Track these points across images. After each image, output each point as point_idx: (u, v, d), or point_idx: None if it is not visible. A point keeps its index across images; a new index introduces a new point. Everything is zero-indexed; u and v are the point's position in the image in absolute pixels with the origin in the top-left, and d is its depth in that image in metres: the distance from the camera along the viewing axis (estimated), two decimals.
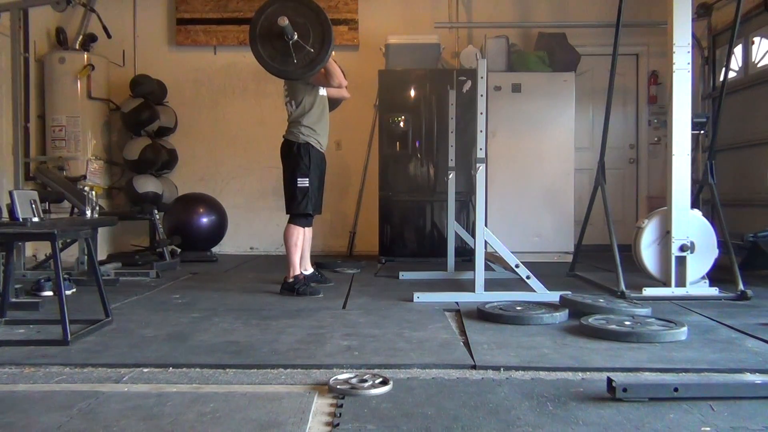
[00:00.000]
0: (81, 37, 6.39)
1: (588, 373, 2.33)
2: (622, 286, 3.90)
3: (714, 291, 3.89)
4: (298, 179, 4.11)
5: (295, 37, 3.78)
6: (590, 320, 2.99)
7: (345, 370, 2.34)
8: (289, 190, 4.18)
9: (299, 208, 4.12)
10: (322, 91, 4.24)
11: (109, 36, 6.32)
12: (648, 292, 3.89)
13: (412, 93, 6.12)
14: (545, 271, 4.38)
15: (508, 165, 6.09)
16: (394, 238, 6.11)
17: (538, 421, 1.84)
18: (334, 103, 4.43)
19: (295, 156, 4.13)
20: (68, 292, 3.90)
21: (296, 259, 4.16)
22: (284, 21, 3.71)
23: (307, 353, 2.59)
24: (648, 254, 4.05)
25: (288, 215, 4.20)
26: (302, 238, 4.21)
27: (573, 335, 2.89)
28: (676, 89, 3.90)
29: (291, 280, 4.11)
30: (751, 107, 5.61)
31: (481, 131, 3.82)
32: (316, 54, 3.83)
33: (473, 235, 4.11)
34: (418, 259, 5.88)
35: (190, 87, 6.90)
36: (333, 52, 3.91)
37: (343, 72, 4.20)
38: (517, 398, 2.04)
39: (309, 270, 4.41)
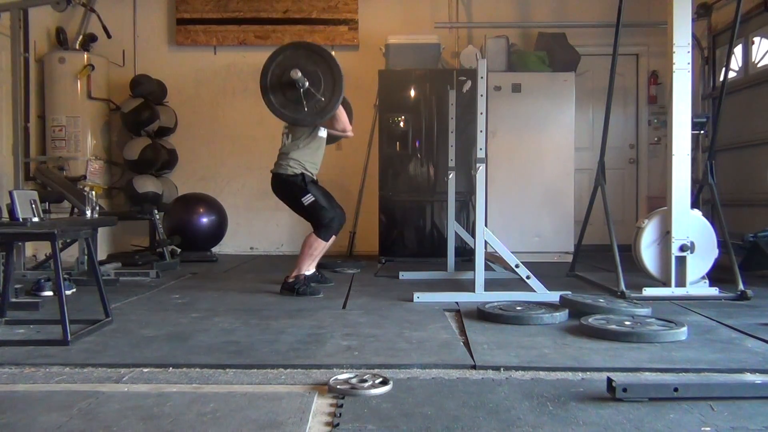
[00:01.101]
0: (81, 37, 6.39)
1: (588, 373, 2.33)
2: (622, 286, 3.90)
3: (714, 291, 3.89)
4: (302, 199, 4.10)
5: (307, 84, 3.83)
6: (590, 320, 2.99)
7: (345, 370, 2.34)
8: (304, 213, 4.21)
9: (323, 218, 4.11)
10: (322, 133, 4.24)
11: (109, 36, 6.32)
12: (648, 292, 3.89)
13: (412, 93, 6.13)
14: (545, 271, 4.38)
15: (508, 165, 6.08)
16: (394, 238, 6.11)
17: (538, 421, 1.84)
18: (333, 138, 4.44)
19: (288, 184, 4.13)
20: (68, 292, 3.90)
21: (305, 266, 4.16)
22: (297, 74, 3.77)
23: (307, 353, 2.59)
24: (648, 254, 4.05)
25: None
26: (320, 250, 4.21)
27: (573, 335, 2.89)
28: (676, 89, 3.90)
29: (291, 280, 4.11)
30: (751, 107, 5.61)
31: (481, 131, 3.82)
32: (326, 103, 3.90)
33: (473, 235, 4.11)
34: (418, 259, 5.87)
35: (190, 87, 6.90)
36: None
37: (351, 111, 4.32)
38: (517, 398, 2.04)
39: (311, 270, 4.41)
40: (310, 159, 4.18)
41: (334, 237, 4.29)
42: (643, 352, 2.59)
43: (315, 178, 4.24)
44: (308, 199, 4.10)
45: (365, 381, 2.16)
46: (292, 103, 3.90)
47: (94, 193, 4.54)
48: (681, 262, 3.91)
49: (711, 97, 6.18)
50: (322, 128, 4.22)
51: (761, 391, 2.06)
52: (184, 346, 2.73)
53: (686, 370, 2.35)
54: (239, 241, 6.90)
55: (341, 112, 4.12)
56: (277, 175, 4.19)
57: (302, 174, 4.12)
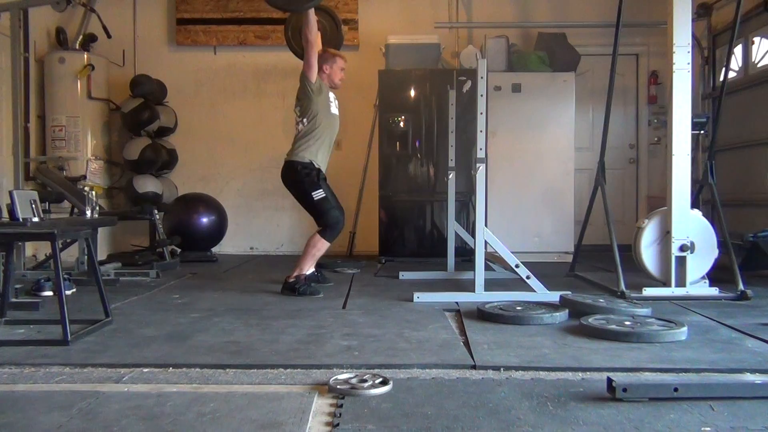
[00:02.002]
0: (81, 37, 6.38)
1: (588, 373, 2.33)
2: (622, 286, 3.90)
3: (714, 291, 3.89)
4: (313, 193, 4.10)
5: None
6: (590, 320, 2.99)
7: (345, 370, 2.34)
8: (311, 208, 4.19)
9: (330, 218, 4.11)
10: (335, 110, 4.26)
11: (109, 36, 6.32)
12: (648, 292, 3.89)
13: (412, 93, 6.13)
14: (545, 271, 4.38)
15: (508, 165, 6.08)
16: (394, 238, 6.11)
17: (538, 421, 1.84)
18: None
19: (301, 174, 4.12)
20: (68, 292, 3.90)
21: (306, 265, 4.17)
22: None
23: (307, 353, 2.59)
24: (648, 254, 4.05)
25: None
26: (323, 251, 4.23)
27: (573, 335, 2.89)
28: (676, 89, 3.90)
29: (292, 279, 4.11)
30: (751, 107, 5.61)
31: (481, 131, 3.82)
32: None
33: (473, 235, 4.11)
34: (418, 259, 5.87)
35: (190, 87, 6.90)
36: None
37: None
38: (517, 398, 2.04)
39: (310, 270, 4.40)
40: (323, 147, 4.16)
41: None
42: (643, 352, 2.59)
43: (324, 175, 4.25)
44: (319, 194, 4.10)
45: (365, 381, 2.16)
46: None
47: (94, 193, 4.55)
48: (681, 262, 3.91)
49: (711, 97, 6.18)
50: (333, 106, 4.22)
51: (761, 391, 2.06)
52: (184, 346, 2.73)
53: (686, 370, 2.35)
54: (239, 241, 6.90)
55: (312, 15, 3.90)
56: (291, 163, 4.16)
57: (318, 170, 4.13)
